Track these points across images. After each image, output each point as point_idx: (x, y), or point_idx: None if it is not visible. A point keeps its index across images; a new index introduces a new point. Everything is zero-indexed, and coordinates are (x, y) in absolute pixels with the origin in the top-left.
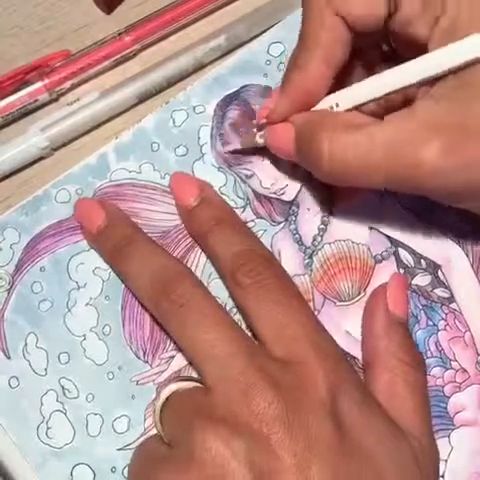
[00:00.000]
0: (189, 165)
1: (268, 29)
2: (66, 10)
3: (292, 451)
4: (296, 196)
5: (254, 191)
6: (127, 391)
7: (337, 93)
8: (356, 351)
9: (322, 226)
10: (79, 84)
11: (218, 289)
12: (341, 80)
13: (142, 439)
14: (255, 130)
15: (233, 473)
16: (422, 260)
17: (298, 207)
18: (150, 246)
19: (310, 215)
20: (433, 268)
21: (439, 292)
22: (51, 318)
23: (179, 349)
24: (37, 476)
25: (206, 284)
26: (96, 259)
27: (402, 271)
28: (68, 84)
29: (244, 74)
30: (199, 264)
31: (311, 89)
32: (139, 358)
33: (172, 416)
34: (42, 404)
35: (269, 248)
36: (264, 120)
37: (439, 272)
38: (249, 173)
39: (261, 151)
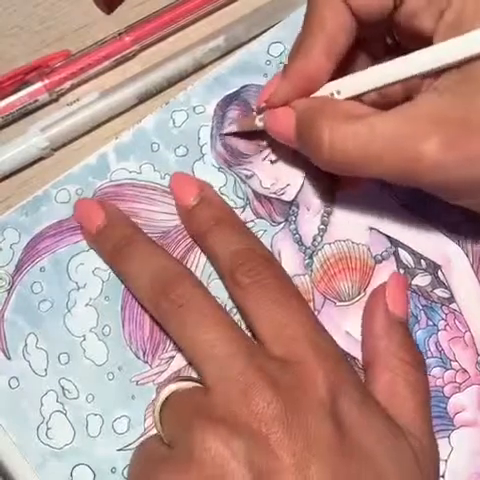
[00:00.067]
0: (189, 165)
1: (268, 29)
2: (66, 10)
3: (291, 451)
4: (296, 196)
5: (254, 191)
6: (127, 391)
7: (339, 80)
8: (356, 351)
9: (322, 226)
10: (79, 84)
11: (218, 289)
12: (344, 69)
13: (142, 439)
14: (254, 113)
15: (232, 473)
16: (422, 260)
17: (298, 207)
18: (150, 246)
19: (310, 215)
20: (433, 268)
21: (439, 292)
22: (51, 318)
23: (179, 349)
24: (37, 476)
25: (206, 284)
26: (96, 260)
27: (402, 271)
28: (68, 84)
29: (244, 74)
30: (199, 264)
31: (313, 75)
32: (139, 358)
33: (172, 416)
34: (42, 404)
35: (269, 248)
36: (264, 104)
37: (439, 272)
38: (249, 173)
39: (260, 151)
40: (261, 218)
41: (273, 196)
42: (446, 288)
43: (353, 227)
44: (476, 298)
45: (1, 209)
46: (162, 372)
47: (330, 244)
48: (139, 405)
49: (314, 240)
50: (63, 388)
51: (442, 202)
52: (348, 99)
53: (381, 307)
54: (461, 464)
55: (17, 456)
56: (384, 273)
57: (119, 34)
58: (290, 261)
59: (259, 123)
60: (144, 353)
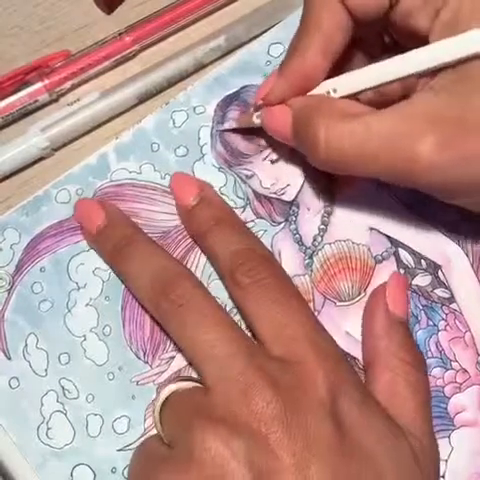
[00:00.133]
0: (189, 165)
1: (268, 29)
2: (66, 10)
3: (291, 451)
4: (296, 196)
5: (254, 191)
6: (127, 391)
7: (335, 79)
8: (356, 351)
9: (322, 226)
10: (79, 84)
11: (218, 290)
12: (341, 68)
13: (142, 439)
14: (252, 110)
15: (232, 473)
16: (422, 260)
17: (298, 207)
18: (150, 246)
19: (310, 215)
20: (433, 268)
21: (439, 292)
22: (51, 318)
23: (179, 350)
24: (37, 476)
25: (206, 285)
26: (96, 260)
27: (402, 271)
28: (68, 84)
29: (244, 74)
30: (199, 265)
31: (309, 73)
32: (139, 358)
33: (172, 416)
34: (42, 404)
35: (269, 248)
36: (261, 101)
37: (439, 272)
38: (249, 173)
39: (260, 151)
40: (261, 218)
41: (273, 196)
42: (446, 288)
43: (353, 227)
44: (476, 298)
45: (1, 209)
46: (162, 372)
47: (330, 244)
48: (139, 405)
49: (314, 240)
50: (63, 388)
51: (442, 202)
52: (344, 98)
53: (381, 307)
54: (461, 464)
55: (17, 456)
56: (384, 273)
57: (119, 34)
58: (290, 261)
59: (256, 120)
60: (144, 353)
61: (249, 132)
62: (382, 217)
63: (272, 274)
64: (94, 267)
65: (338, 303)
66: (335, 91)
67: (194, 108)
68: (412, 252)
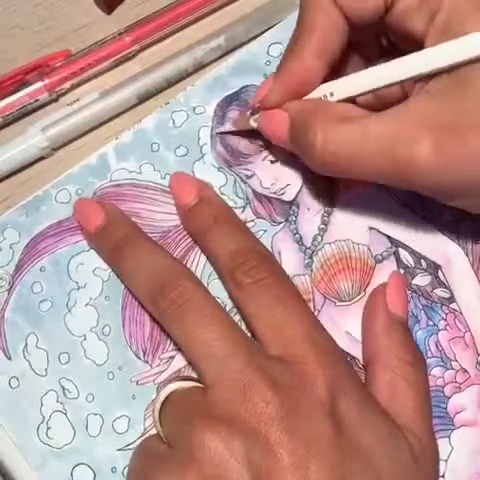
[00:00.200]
0: (189, 165)
1: (268, 29)
2: (66, 10)
3: (290, 450)
4: (296, 196)
5: (254, 191)
6: (127, 391)
7: (332, 82)
8: (356, 351)
9: (322, 226)
10: (79, 84)
11: (218, 289)
12: (338, 71)
13: (142, 439)
14: (249, 113)
15: (232, 472)
16: (422, 260)
17: (298, 207)
18: (150, 246)
19: (310, 215)
20: (433, 268)
21: (439, 292)
22: (51, 318)
23: (179, 349)
24: (37, 476)
25: (206, 284)
26: (96, 259)
27: (402, 271)
28: (68, 84)
29: (244, 74)
30: (199, 264)
31: (305, 77)
32: (139, 358)
33: (171, 415)
34: (42, 404)
35: (269, 248)
36: (258, 104)
37: (439, 272)
38: (249, 173)
39: (260, 151)
40: (261, 218)
41: (273, 196)
42: (446, 288)
43: (353, 227)
44: (476, 298)
45: (1, 209)
46: (162, 372)
47: (330, 244)
48: (139, 405)
49: (314, 240)
50: (63, 388)
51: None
52: (341, 101)
53: (381, 307)
54: (461, 464)
55: (17, 456)
56: (384, 273)
57: (119, 34)
58: (290, 261)
59: (253, 123)
60: (144, 353)
61: (247, 134)
62: (382, 217)
63: (272, 274)
64: (94, 267)
65: (338, 303)
66: (332, 95)
67: (194, 108)
68: (412, 252)
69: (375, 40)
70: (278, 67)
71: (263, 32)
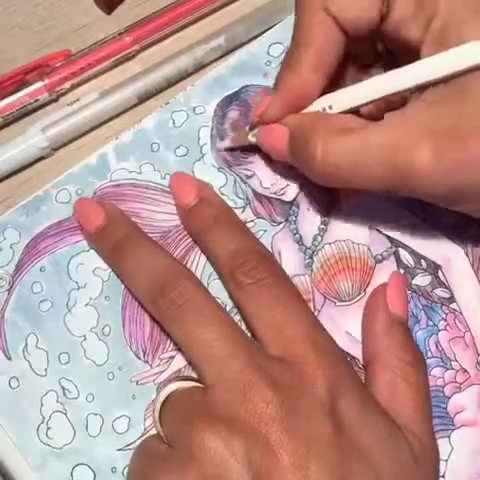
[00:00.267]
0: (189, 165)
1: (268, 29)
2: (66, 10)
3: (290, 450)
4: (296, 196)
5: (254, 191)
6: (127, 391)
7: (330, 95)
8: (356, 351)
9: (322, 226)
10: (79, 84)
11: (218, 289)
12: (335, 82)
13: (142, 439)
14: (247, 128)
15: (232, 472)
16: (422, 260)
17: (298, 207)
18: (150, 246)
19: (310, 215)
20: (433, 268)
21: (439, 292)
22: (51, 318)
23: (179, 349)
24: (37, 476)
25: (206, 284)
26: (96, 259)
27: (402, 271)
28: (68, 84)
29: (244, 74)
30: (199, 264)
31: (303, 92)
32: (139, 358)
33: (171, 416)
34: (42, 404)
35: (269, 248)
36: (257, 119)
37: (439, 272)
38: (249, 173)
39: (260, 151)
40: (261, 218)
41: (273, 196)
42: (446, 288)
43: (353, 227)
44: (476, 298)
45: (1, 209)
46: (162, 372)
47: (330, 244)
48: (139, 405)
49: (314, 240)
50: (63, 388)
51: None
52: (340, 113)
53: (381, 307)
54: (461, 464)
55: (17, 456)
56: (384, 273)
57: (119, 34)
58: (290, 261)
59: (252, 139)
60: (144, 353)
61: (247, 150)
62: (382, 217)
63: (272, 274)
64: (94, 267)
65: (338, 303)
66: (331, 108)
67: (194, 108)
68: (412, 252)
69: (371, 48)
70: (275, 82)
71: (263, 32)
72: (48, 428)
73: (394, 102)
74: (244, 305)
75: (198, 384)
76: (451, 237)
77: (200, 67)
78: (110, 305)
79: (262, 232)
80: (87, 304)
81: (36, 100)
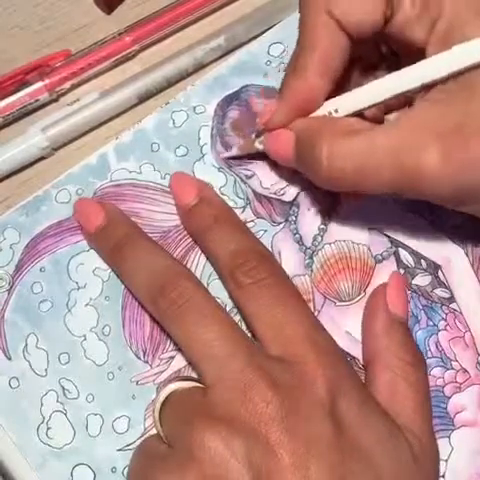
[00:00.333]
0: (189, 165)
1: (268, 29)
2: (66, 10)
3: (290, 450)
4: (296, 196)
5: (254, 191)
6: (127, 391)
7: (336, 98)
8: (356, 351)
9: (322, 226)
10: (79, 84)
11: (218, 289)
12: (340, 85)
13: (142, 439)
14: (254, 136)
15: (232, 472)
16: (422, 260)
17: (298, 207)
18: (150, 246)
19: (310, 215)
20: (433, 268)
21: (439, 292)
22: (51, 318)
23: (179, 349)
24: (37, 476)
25: (206, 285)
26: (96, 259)
27: (402, 271)
28: (68, 84)
29: (244, 74)
30: (199, 264)
31: (309, 97)
32: (139, 358)
33: (171, 416)
34: (42, 404)
35: (269, 248)
36: (263, 126)
37: (439, 272)
38: (249, 173)
39: (261, 152)
40: (261, 218)
41: (273, 196)
42: (446, 288)
43: (353, 227)
44: (476, 298)
45: (1, 209)
46: (162, 372)
47: (330, 244)
48: (139, 405)
49: (314, 240)
50: (63, 388)
51: None
52: (347, 116)
53: (381, 307)
54: (461, 464)
55: (17, 456)
56: (384, 273)
57: (119, 34)
58: (290, 261)
59: (259, 146)
60: (144, 353)
61: (252, 157)
62: (382, 217)
63: (272, 274)
64: (94, 267)
65: (338, 303)
66: (337, 111)
67: (194, 108)
68: (412, 252)
69: (375, 50)
70: (281, 87)
71: (263, 32)
72: (48, 428)
73: (399, 104)
74: (244, 305)
75: (198, 384)
76: (451, 237)
77: (200, 67)
78: (110, 305)
79: (262, 232)
80: (87, 304)
81: (36, 100)
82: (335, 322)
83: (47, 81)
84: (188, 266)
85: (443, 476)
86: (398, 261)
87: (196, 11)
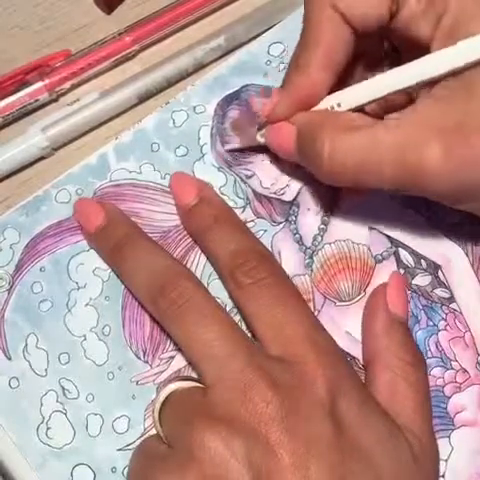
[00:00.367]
0: (189, 165)
1: (268, 29)
2: (66, 10)
3: (290, 450)
4: (296, 196)
5: (254, 191)
6: (127, 391)
7: (339, 93)
8: (356, 351)
9: (322, 226)
10: (79, 84)
11: (218, 289)
12: (343, 79)
13: (142, 439)
14: (256, 129)
15: (232, 472)
16: (422, 260)
17: (298, 207)
18: (150, 246)
19: (310, 215)
20: (433, 268)
21: (439, 292)
22: (51, 318)
23: (179, 349)
24: (37, 476)
25: (206, 284)
26: (96, 259)
27: (402, 271)
28: (68, 84)
29: (244, 74)
30: (199, 264)
31: (311, 90)
32: (139, 358)
33: (171, 416)
34: (42, 404)
35: (269, 248)
36: (265, 119)
37: (439, 272)
38: (249, 173)
39: (261, 150)
40: (261, 218)
41: (273, 196)
42: (446, 288)
43: (353, 227)
44: (476, 298)
45: (1, 209)
46: (162, 372)
47: (330, 244)
48: (139, 405)
49: (314, 240)
50: (63, 388)
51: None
52: (348, 111)
53: (381, 307)
54: (461, 464)
55: (17, 456)
56: (384, 273)
57: (119, 34)
58: (290, 261)
59: (261, 139)
60: (144, 353)
61: (253, 149)
62: (382, 217)
63: (272, 274)
64: (94, 267)
65: (338, 303)
66: (339, 105)
67: (194, 108)
68: (412, 252)
69: (379, 46)
70: (283, 80)
71: (263, 32)
72: (48, 428)
73: (400, 101)
74: (244, 305)
75: (198, 384)
76: (451, 237)
77: (200, 67)
78: (110, 305)
79: (262, 232)
80: (87, 304)
81: (36, 100)
82: (335, 322)
83: (47, 81)
84: (188, 266)
85: (443, 476)
86: (398, 261)
87: (196, 11)
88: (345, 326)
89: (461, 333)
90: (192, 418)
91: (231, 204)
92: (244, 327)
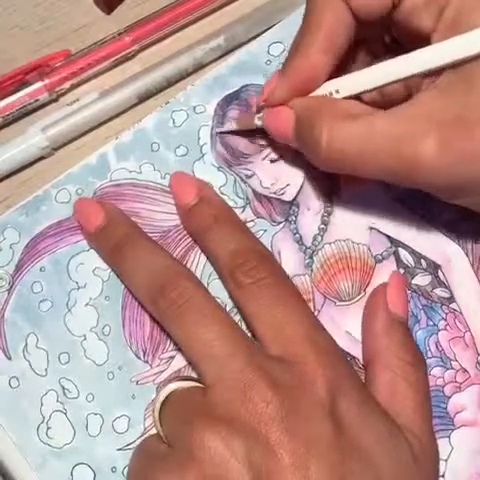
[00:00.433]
0: (189, 165)
1: (268, 29)
2: (66, 10)
3: (290, 450)
4: (296, 196)
5: (254, 191)
6: (127, 391)
7: (338, 79)
8: (356, 351)
9: (322, 226)
10: (79, 84)
11: (218, 289)
12: (343, 69)
13: (142, 439)
14: (254, 111)
15: (232, 472)
16: (422, 260)
17: (298, 207)
18: (150, 246)
19: (310, 215)
20: (433, 268)
21: (439, 292)
22: (51, 318)
23: (179, 349)
24: (37, 476)
25: (206, 284)
26: (96, 259)
27: (402, 271)
28: (68, 84)
29: (244, 74)
30: (199, 264)
31: (311, 75)
32: (139, 358)
33: (171, 415)
34: (42, 404)
35: (269, 248)
36: (263, 102)
37: (439, 272)
38: (249, 173)
39: (260, 151)
40: (261, 218)
41: (273, 196)
42: (446, 288)
43: (353, 227)
44: (476, 298)
45: (1, 209)
46: (162, 372)
47: (330, 244)
48: (139, 405)
49: (314, 240)
50: (63, 388)
51: (442, 201)
52: (347, 98)
53: (381, 307)
54: (461, 464)
55: (17, 456)
56: (384, 273)
57: (119, 34)
58: (290, 261)
59: (258, 122)
60: (144, 353)
61: (247, 134)
62: (382, 217)
63: (272, 274)
64: (94, 267)
65: (338, 303)
66: (338, 92)
67: (194, 107)
68: (412, 252)
69: (381, 37)
70: (284, 63)
71: (263, 32)
72: (48, 428)
73: (397, 94)
74: (244, 305)
75: (198, 384)
76: (451, 237)
77: (200, 67)
78: (110, 305)
79: (262, 232)
80: (87, 304)
81: (36, 100)
82: (335, 322)
83: (47, 81)
84: (188, 266)
85: (443, 476)
86: (398, 261)
87: (196, 11)
88: (345, 326)
89: (461, 333)
90: (192, 418)
91: (231, 204)
92: (244, 327)
